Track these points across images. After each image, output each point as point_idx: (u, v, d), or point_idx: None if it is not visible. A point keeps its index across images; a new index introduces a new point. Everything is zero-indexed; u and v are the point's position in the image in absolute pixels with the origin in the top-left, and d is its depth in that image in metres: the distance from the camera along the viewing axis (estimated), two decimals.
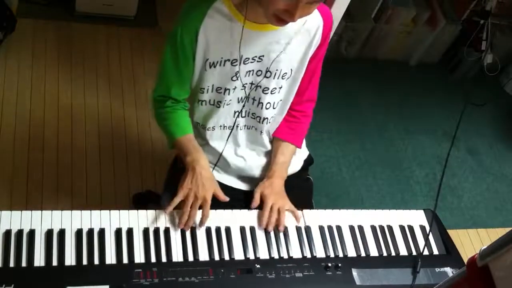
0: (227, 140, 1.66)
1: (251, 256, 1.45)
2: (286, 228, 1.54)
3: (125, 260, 1.36)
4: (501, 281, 0.93)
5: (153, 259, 1.38)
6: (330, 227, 1.57)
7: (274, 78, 1.55)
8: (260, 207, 1.56)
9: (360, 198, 2.84)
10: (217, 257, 1.43)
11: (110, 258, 1.36)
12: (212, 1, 1.42)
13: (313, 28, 1.50)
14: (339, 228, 1.58)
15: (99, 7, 3.05)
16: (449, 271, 1.55)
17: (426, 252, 1.59)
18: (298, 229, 1.55)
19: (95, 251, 1.36)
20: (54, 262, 1.32)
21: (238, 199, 1.70)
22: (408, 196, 2.93)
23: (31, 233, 1.35)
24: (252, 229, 1.51)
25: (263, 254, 1.47)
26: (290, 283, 1.41)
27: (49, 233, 1.36)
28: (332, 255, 1.51)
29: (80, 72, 2.87)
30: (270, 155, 1.72)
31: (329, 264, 1.47)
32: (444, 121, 3.36)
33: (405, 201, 2.90)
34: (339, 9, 2.15)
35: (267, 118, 1.64)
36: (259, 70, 1.53)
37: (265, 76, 1.54)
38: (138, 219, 1.45)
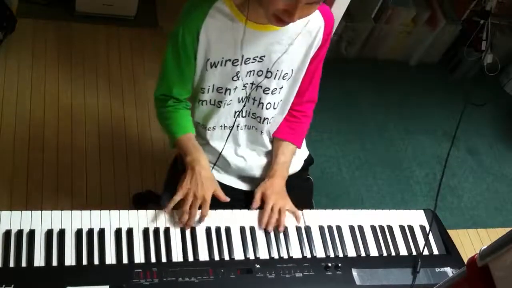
0: (226, 140, 1.66)
1: (251, 256, 1.45)
2: (286, 228, 1.54)
3: (125, 260, 1.36)
4: (501, 281, 0.93)
5: (153, 259, 1.38)
6: (330, 227, 1.57)
7: (274, 79, 1.55)
8: (261, 207, 1.56)
9: (360, 198, 2.84)
10: (217, 257, 1.43)
11: (110, 258, 1.36)
12: (214, 1, 1.42)
13: (314, 29, 1.50)
14: (339, 228, 1.58)
15: (99, 7, 3.05)
16: (449, 271, 1.55)
17: (426, 252, 1.59)
18: (298, 229, 1.55)
19: (95, 251, 1.36)
20: (54, 262, 1.32)
21: (238, 199, 1.70)
22: (408, 196, 2.93)
23: (31, 233, 1.35)
24: (252, 229, 1.51)
25: (263, 254, 1.47)
26: (290, 283, 1.41)
27: (49, 233, 1.36)
28: (332, 255, 1.51)
29: (80, 72, 2.87)
30: (271, 155, 1.72)
31: (329, 264, 1.47)
32: (444, 121, 3.36)
33: (405, 201, 2.90)
34: (339, 9, 2.15)
35: (267, 118, 1.64)
36: (260, 70, 1.53)
37: (265, 77, 1.54)
38: (138, 219, 1.45)
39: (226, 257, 1.44)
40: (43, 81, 2.77)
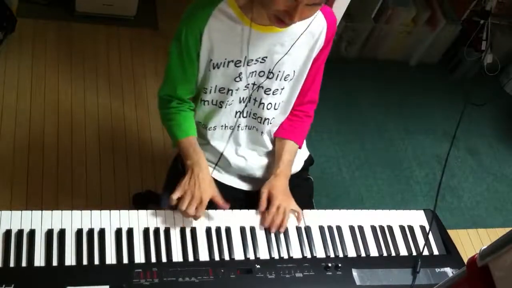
0: (228, 140, 1.66)
1: (251, 256, 1.45)
2: (286, 228, 1.54)
3: (125, 260, 1.36)
4: (501, 281, 0.93)
5: (153, 259, 1.38)
6: (330, 227, 1.57)
7: (276, 80, 1.55)
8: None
9: (360, 198, 2.84)
10: (217, 257, 1.43)
11: (110, 258, 1.36)
12: (217, 3, 1.42)
13: (317, 30, 1.51)
14: (339, 228, 1.58)
15: (99, 7, 3.05)
16: (449, 271, 1.55)
17: (426, 252, 1.59)
18: (298, 229, 1.55)
19: (95, 251, 1.36)
20: (54, 262, 1.32)
21: (239, 199, 1.70)
22: (408, 196, 2.93)
23: (31, 233, 1.35)
24: (252, 229, 1.51)
25: (263, 254, 1.47)
26: (290, 283, 1.41)
27: (49, 233, 1.36)
28: (332, 255, 1.51)
29: (80, 72, 2.87)
30: (271, 155, 1.72)
31: (329, 264, 1.47)
32: (444, 121, 3.36)
33: (405, 201, 2.90)
34: (339, 9, 2.15)
35: (268, 119, 1.64)
36: (262, 71, 1.53)
37: (267, 77, 1.54)
38: (138, 219, 1.45)
39: (226, 257, 1.44)
40: (43, 81, 2.77)
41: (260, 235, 1.51)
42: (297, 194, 1.64)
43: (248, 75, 1.52)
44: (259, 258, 1.46)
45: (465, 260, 1.04)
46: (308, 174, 1.88)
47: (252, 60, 1.49)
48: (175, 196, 1.48)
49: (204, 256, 1.42)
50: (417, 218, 1.68)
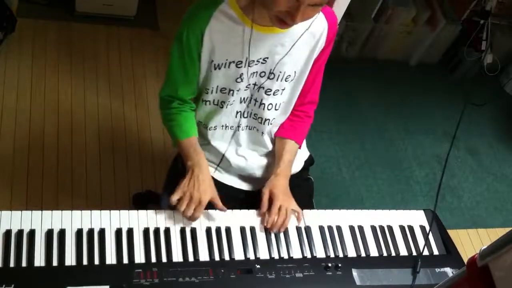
0: (230, 141, 1.67)
1: (251, 256, 1.46)
2: (286, 228, 1.54)
3: (125, 260, 1.36)
4: (501, 281, 0.93)
5: (153, 259, 1.38)
6: (330, 227, 1.57)
7: (277, 80, 1.55)
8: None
9: (360, 198, 2.84)
10: (217, 257, 1.43)
11: (110, 258, 1.36)
12: (219, 4, 1.42)
13: (318, 31, 1.51)
14: (339, 228, 1.58)
15: (99, 7, 3.05)
16: (449, 271, 1.55)
17: (426, 252, 1.59)
18: (298, 229, 1.55)
19: (95, 251, 1.36)
20: (54, 262, 1.32)
21: (239, 199, 1.71)
22: (408, 196, 2.93)
23: (31, 233, 1.35)
24: (252, 229, 1.51)
25: (263, 254, 1.47)
26: (290, 283, 1.41)
27: (49, 233, 1.36)
28: (332, 255, 1.51)
29: (80, 72, 2.87)
30: (271, 156, 1.72)
31: (329, 264, 1.47)
32: (444, 121, 3.36)
33: (405, 201, 2.90)
34: (339, 9, 2.15)
35: (268, 119, 1.64)
36: (263, 72, 1.53)
37: (268, 78, 1.54)
38: (138, 219, 1.45)
39: (226, 257, 1.44)
40: (43, 81, 2.77)
41: (260, 235, 1.51)
42: (297, 194, 1.64)
43: (249, 75, 1.52)
44: (259, 258, 1.46)
45: (465, 260, 1.04)
46: (308, 174, 1.88)
47: (253, 60, 1.49)
48: (174, 197, 1.48)
49: (204, 256, 1.42)
50: (417, 218, 1.68)
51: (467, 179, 3.13)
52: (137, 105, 2.82)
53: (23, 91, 2.70)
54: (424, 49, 3.57)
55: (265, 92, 1.58)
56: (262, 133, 1.68)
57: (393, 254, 1.57)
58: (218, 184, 1.62)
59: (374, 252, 1.56)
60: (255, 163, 1.72)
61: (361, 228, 1.60)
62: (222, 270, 1.39)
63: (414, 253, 1.59)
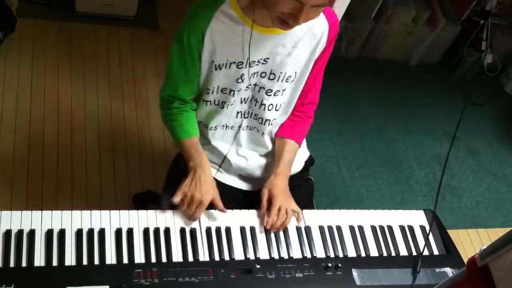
0: (232, 142, 1.67)
1: (251, 256, 1.46)
2: (286, 228, 1.54)
3: (125, 260, 1.36)
4: (501, 281, 0.93)
5: (153, 259, 1.38)
6: (330, 227, 1.57)
7: (278, 81, 1.55)
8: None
9: (360, 198, 2.84)
10: (217, 257, 1.43)
11: (110, 258, 1.36)
12: (219, 4, 1.42)
13: (318, 32, 1.51)
14: (339, 228, 1.58)
15: (99, 7, 3.05)
16: (449, 271, 1.55)
17: (426, 252, 1.59)
18: (298, 229, 1.55)
19: (95, 251, 1.36)
20: (54, 262, 1.32)
21: (239, 199, 1.71)
22: (408, 196, 2.93)
23: (31, 233, 1.35)
24: (252, 229, 1.51)
25: (263, 254, 1.47)
26: (290, 283, 1.41)
27: (49, 233, 1.36)
28: (332, 255, 1.51)
29: (80, 72, 2.87)
30: (272, 156, 1.72)
31: (329, 264, 1.47)
32: (444, 121, 3.36)
33: (405, 201, 2.90)
34: (339, 9, 2.15)
35: (269, 119, 1.64)
36: (263, 72, 1.53)
37: (269, 78, 1.55)
38: (138, 219, 1.45)
39: (226, 257, 1.44)
40: (43, 81, 2.77)
41: (260, 235, 1.51)
42: (297, 194, 1.64)
43: (250, 76, 1.52)
44: (259, 258, 1.46)
45: (465, 260, 1.04)
46: (308, 174, 1.88)
47: (254, 61, 1.49)
48: (176, 199, 1.49)
49: (204, 256, 1.42)
50: (417, 218, 1.68)
51: (467, 179, 3.13)
52: (137, 105, 2.82)
53: (23, 91, 2.70)
54: (424, 49, 3.57)
55: (266, 93, 1.58)
56: (263, 133, 1.68)
57: (393, 254, 1.57)
58: (218, 184, 1.62)
59: (374, 252, 1.56)
60: (255, 163, 1.72)
61: (361, 228, 1.60)
62: (222, 270, 1.39)
63: (414, 253, 1.59)
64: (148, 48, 3.08)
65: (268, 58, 1.50)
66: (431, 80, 3.61)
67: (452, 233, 1.72)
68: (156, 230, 1.44)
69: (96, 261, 1.35)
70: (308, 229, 1.55)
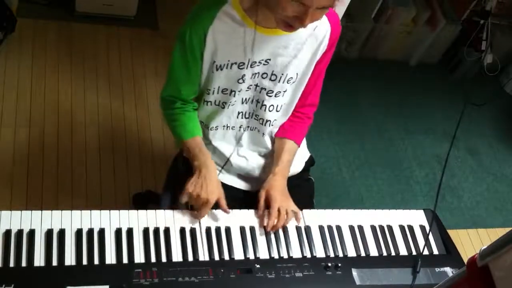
0: (235, 143, 1.67)
1: (251, 256, 1.45)
2: (286, 228, 1.54)
3: (125, 260, 1.36)
4: (501, 281, 0.93)
5: (153, 259, 1.38)
6: (330, 227, 1.57)
7: (279, 82, 1.55)
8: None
9: (360, 198, 2.84)
10: (217, 257, 1.43)
11: (110, 258, 1.36)
12: (222, 5, 1.42)
13: (320, 34, 1.51)
14: (339, 228, 1.58)
15: (99, 7, 3.05)
16: (449, 271, 1.55)
17: (426, 252, 1.59)
18: (298, 229, 1.55)
19: (95, 251, 1.36)
20: (54, 262, 1.32)
21: (239, 199, 1.71)
22: (408, 196, 2.93)
23: (31, 233, 1.35)
24: (252, 229, 1.51)
25: (263, 254, 1.47)
26: (290, 283, 1.41)
27: (49, 233, 1.36)
28: (332, 255, 1.51)
29: (80, 72, 2.87)
30: (272, 156, 1.72)
31: (329, 264, 1.47)
32: (444, 121, 3.36)
33: (405, 201, 2.90)
34: (339, 9, 2.15)
35: (269, 120, 1.64)
36: (265, 73, 1.53)
37: (270, 79, 1.55)
38: (138, 219, 1.45)
39: (226, 257, 1.44)
40: (43, 81, 2.77)
41: (260, 235, 1.51)
42: (297, 194, 1.64)
43: (251, 76, 1.52)
44: (259, 258, 1.46)
45: (465, 260, 1.04)
46: (309, 174, 1.88)
47: (256, 62, 1.49)
48: (183, 199, 1.49)
49: (204, 256, 1.42)
50: (417, 218, 1.68)
51: (467, 179, 3.13)
52: (137, 105, 2.82)
53: (23, 91, 2.70)
54: (424, 49, 3.57)
55: (267, 94, 1.58)
56: (263, 134, 1.68)
57: (393, 254, 1.57)
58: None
59: (374, 252, 1.56)
60: (256, 164, 1.72)
61: (361, 228, 1.60)
62: (222, 270, 1.39)
63: (414, 253, 1.59)
64: (148, 48, 3.08)
65: (269, 59, 1.50)
66: (431, 80, 3.61)
67: (452, 233, 1.72)
68: (156, 230, 1.44)
69: (96, 261, 1.35)
70: (308, 229, 1.55)
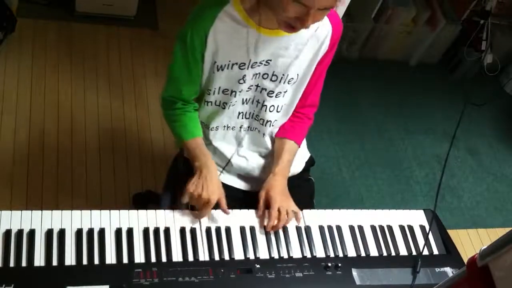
0: (237, 144, 1.67)
1: (251, 256, 1.46)
2: (286, 228, 1.54)
3: (125, 260, 1.36)
4: (501, 281, 0.93)
5: (153, 259, 1.38)
6: (330, 227, 1.57)
7: (280, 83, 1.55)
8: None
9: (360, 198, 2.84)
10: (217, 257, 1.43)
11: (110, 258, 1.36)
12: (224, 5, 1.42)
13: (322, 35, 1.51)
14: (339, 228, 1.58)
15: (99, 7, 3.05)
16: (449, 271, 1.55)
17: (426, 252, 1.59)
18: (298, 229, 1.55)
19: (95, 251, 1.36)
20: (54, 262, 1.32)
21: (239, 199, 1.71)
22: (408, 196, 2.93)
23: (31, 233, 1.35)
24: (252, 229, 1.51)
25: (263, 254, 1.47)
26: (290, 283, 1.41)
27: (49, 233, 1.36)
28: (332, 255, 1.51)
29: (80, 72, 2.87)
30: (272, 156, 1.72)
31: (329, 264, 1.47)
32: (444, 121, 3.36)
33: (405, 201, 2.90)
34: (339, 9, 2.15)
35: (270, 121, 1.64)
36: (266, 74, 1.53)
37: (271, 80, 1.55)
38: (138, 219, 1.45)
39: (226, 257, 1.44)
40: (43, 81, 2.77)
41: (260, 235, 1.51)
42: (298, 194, 1.64)
43: (252, 77, 1.52)
44: (259, 258, 1.46)
45: (465, 260, 1.04)
46: (309, 175, 1.88)
47: (256, 62, 1.49)
48: (184, 200, 1.49)
49: (204, 256, 1.42)
50: (417, 218, 1.68)
51: (467, 179, 3.13)
52: (137, 105, 2.82)
53: (23, 91, 2.70)
54: (424, 49, 3.57)
55: (268, 94, 1.58)
56: (264, 134, 1.68)
57: (393, 254, 1.57)
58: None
59: (374, 252, 1.56)
60: (256, 164, 1.72)
61: (361, 228, 1.60)
62: (222, 270, 1.39)
63: (414, 253, 1.59)
64: (148, 48, 3.08)
65: (270, 60, 1.50)
66: (431, 80, 3.61)
67: (452, 233, 1.72)
68: (156, 230, 1.44)
69: (96, 261, 1.35)
70: (308, 229, 1.55)
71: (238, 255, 1.45)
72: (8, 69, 2.76)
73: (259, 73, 1.53)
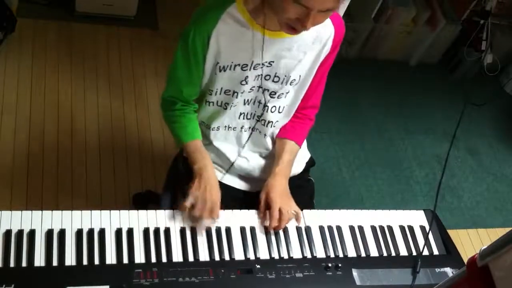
0: (244, 145, 1.67)
1: (251, 256, 1.46)
2: (286, 228, 1.54)
3: (125, 260, 1.36)
4: (501, 281, 0.93)
5: (153, 259, 1.38)
6: (330, 227, 1.57)
7: (282, 84, 1.55)
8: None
9: (360, 198, 2.84)
10: (217, 257, 1.43)
11: (110, 258, 1.36)
12: (226, 6, 1.42)
13: (324, 36, 1.50)
14: (339, 228, 1.58)
15: (99, 7, 3.05)
16: (449, 271, 1.55)
17: (426, 252, 1.59)
18: (298, 229, 1.55)
19: (95, 251, 1.36)
20: (54, 262, 1.32)
21: (239, 199, 1.71)
22: (408, 196, 2.93)
23: (31, 233, 1.35)
24: (252, 229, 1.51)
25: (263, 254, 1.47)
26: (290, 283, 1.41)
27: (49, 233, 1.36)
28: (332, 255, 1.51)
29: (80, 72, 2.87)
30: (273, 157, 1.72)
31: (329, 264, 1.47)
32: (444, 121, 3.36)
33: (405, 201, 2.90)
34: (339, 9, 2.15)
35: (271, 121, 1.64)
36: (268, 75, 1.53)
37: (273, 81, 1.55)
38: (138, 219, 1.45)
39: (227, 257, 1.44)
40: (43, 81, 2.77)
41: (260, 235, 1.51)
42: (298, 195, 1.64)
43: (254, 78, 1.52)
44: (259, 258, 1.46)
45: (465, 260, 1.04)
46: (309, 175, 1.88)
47: (259, 64, 1.49)
48: (188, 203, 1.48)
49: (204, 256, 1.42)
50: (417, 218, 1.68)
51: (467, 179, 3.13)
52: (137, 105, 2.82)
53: (23, 91, 2.70)
54: (424, 49, 3.57)
55: (270, 95, 1.58)
56: (265, 135, 1.68)
57: (393, 254, 1.57)
58: (219, 185, 1.62)
59: (374, 252, 1.56)
60: (257, 164, 1.72)
61: (361, 228, 1.60)
62: (222, 270, 1.39)
63: (414, 253, 1.59)
64: (148, 48, 3.08)
65: (273, 61, 1.50)
66: (431, 80, 3.61)
67: (452, 233, 1.73)
68: (156, 230, 1.44)
69: (96, 261, 1.35)
70: (308, 229, 1.55)
71: (239, 255, 1.45)
72: (8, 69, 2.76)
73: (262, 74, 1.52)
